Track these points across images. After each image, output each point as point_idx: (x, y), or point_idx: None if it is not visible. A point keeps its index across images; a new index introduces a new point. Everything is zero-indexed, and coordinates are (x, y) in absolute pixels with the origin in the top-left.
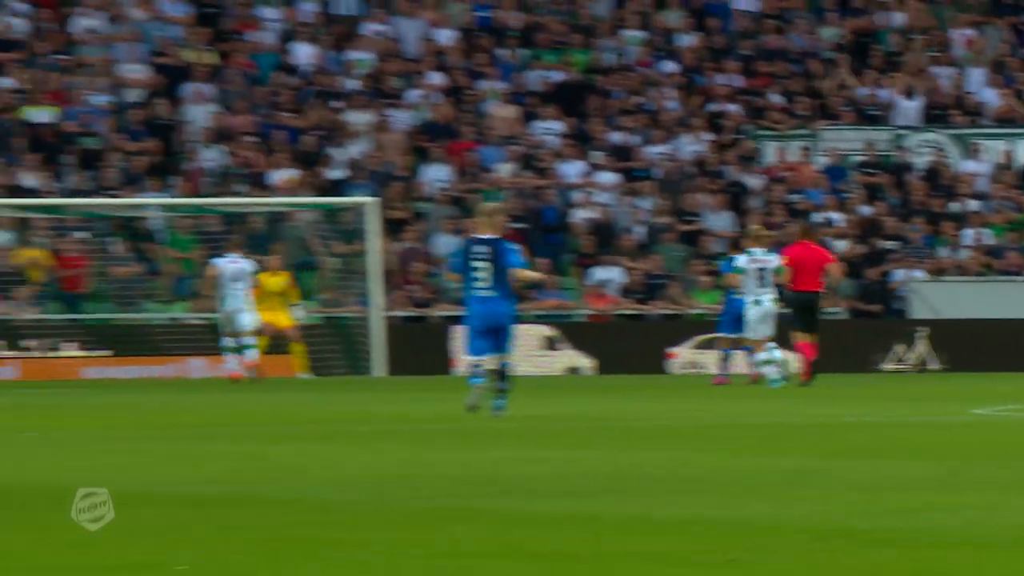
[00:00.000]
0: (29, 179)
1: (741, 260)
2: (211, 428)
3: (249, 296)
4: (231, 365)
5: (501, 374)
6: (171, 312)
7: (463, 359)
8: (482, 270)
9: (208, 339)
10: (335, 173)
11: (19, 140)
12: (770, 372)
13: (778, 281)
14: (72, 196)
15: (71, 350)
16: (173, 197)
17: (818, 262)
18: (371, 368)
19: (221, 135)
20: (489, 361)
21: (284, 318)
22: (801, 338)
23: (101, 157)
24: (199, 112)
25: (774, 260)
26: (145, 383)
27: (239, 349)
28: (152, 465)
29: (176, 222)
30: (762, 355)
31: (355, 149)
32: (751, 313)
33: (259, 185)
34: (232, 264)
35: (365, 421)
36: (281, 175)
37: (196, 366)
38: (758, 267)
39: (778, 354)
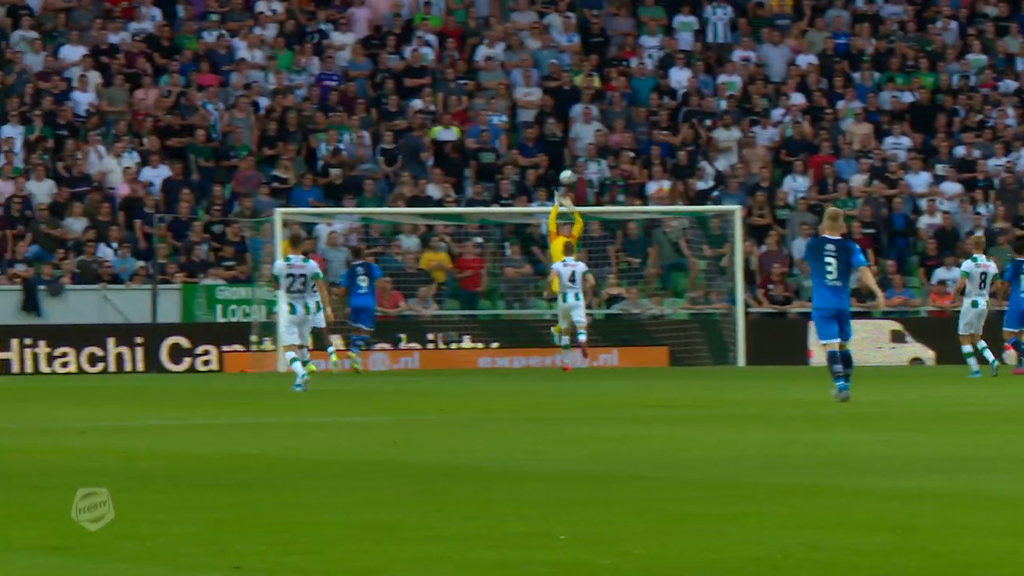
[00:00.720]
0: (434, 190)
1: (967, 264)
2: (589, 411)
3: (580, 295)
4: (567, 359)
5: (846, 358)
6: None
7: (817, 343)
8: (832, 265)
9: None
10: (704, 184)
11: (426, 156)
12: (972, 363)
13: (995, 287)
14: (470, 205)
15: (467, 342)
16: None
17: None
18: (734, 359)
19: (603, 150)
20: (837, 345)
21: None
22: None
23: (497, 170)
24: (585, 130)
25: (993, 266)
26: (531, 372)
27: (572, 344)
28: (537, 445)
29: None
30: (967, 348)
31: (723, 162)
32: (968, 312)
33: (636, 195)
34: (566, 267)
35: (728, 406)
36: (656, 186)
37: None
38: (980, 271)
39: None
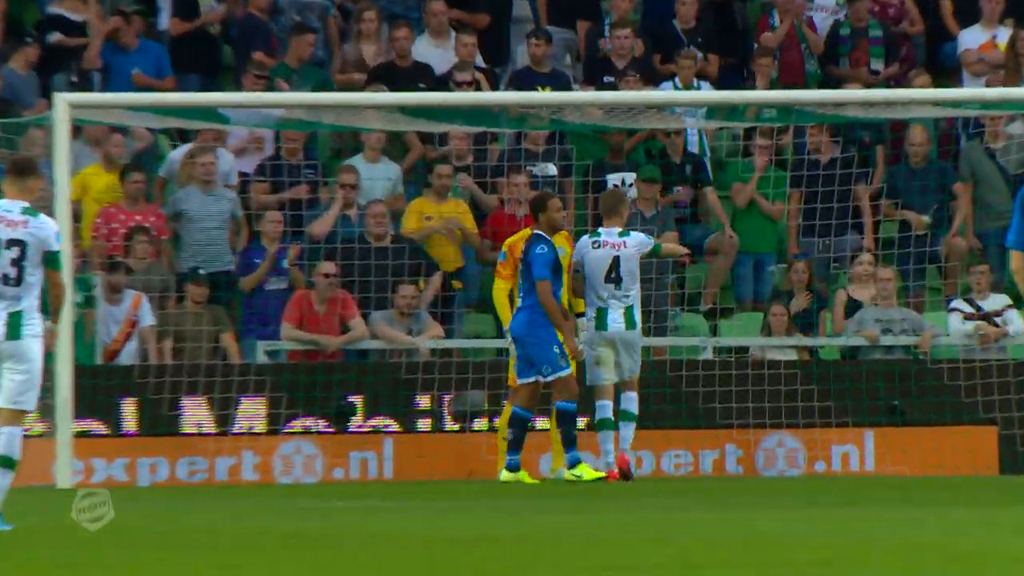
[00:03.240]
0: (428, 49)
1: None
2: None
3: (635, 309)
4: (606, 448)
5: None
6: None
7: None
8: None
9: None
10: None
11: None
12: None
13: None
14: (518, 86)
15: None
16: None
17: None
18: None
19: None
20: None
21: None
22: None
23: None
24: None
25: None
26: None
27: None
28: None
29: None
30: None
31: None
32: None
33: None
34: (599, 249)
35: None
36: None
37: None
38: None
39: None
